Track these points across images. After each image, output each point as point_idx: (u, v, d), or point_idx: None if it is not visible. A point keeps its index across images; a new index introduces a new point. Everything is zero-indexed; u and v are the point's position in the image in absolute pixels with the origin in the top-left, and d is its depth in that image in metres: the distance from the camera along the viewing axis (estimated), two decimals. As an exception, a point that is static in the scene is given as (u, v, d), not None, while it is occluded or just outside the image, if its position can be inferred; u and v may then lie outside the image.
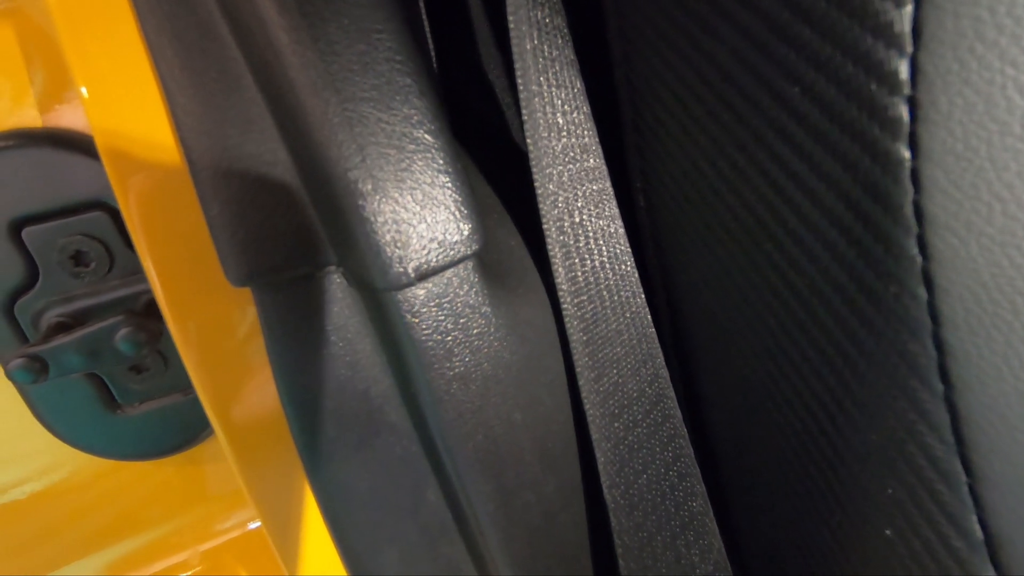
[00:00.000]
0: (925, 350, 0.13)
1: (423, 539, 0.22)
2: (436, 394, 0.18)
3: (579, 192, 0.20)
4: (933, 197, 0.12)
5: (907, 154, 0.12)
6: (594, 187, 0.21)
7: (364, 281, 0.17)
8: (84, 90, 0.21)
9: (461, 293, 0.18)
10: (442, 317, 0.17)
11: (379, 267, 0.16)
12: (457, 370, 0.18)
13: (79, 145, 0.26)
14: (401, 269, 0.16)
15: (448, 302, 0.18)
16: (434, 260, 0.17)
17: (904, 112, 0.12)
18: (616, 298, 0.22)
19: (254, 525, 0.34)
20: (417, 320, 0.17)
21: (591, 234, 0.21)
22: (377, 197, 0.16)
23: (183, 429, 0.31)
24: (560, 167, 0.20)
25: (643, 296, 0.23)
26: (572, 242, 0.20)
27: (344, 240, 0.17)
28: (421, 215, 0.17)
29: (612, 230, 0.21)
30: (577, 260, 0.20)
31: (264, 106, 0.17)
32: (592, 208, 0.21)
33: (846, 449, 0.17)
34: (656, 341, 0.23)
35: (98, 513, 0.32)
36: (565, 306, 0.20)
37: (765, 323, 0.18)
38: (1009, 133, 0.11)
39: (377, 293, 0.17)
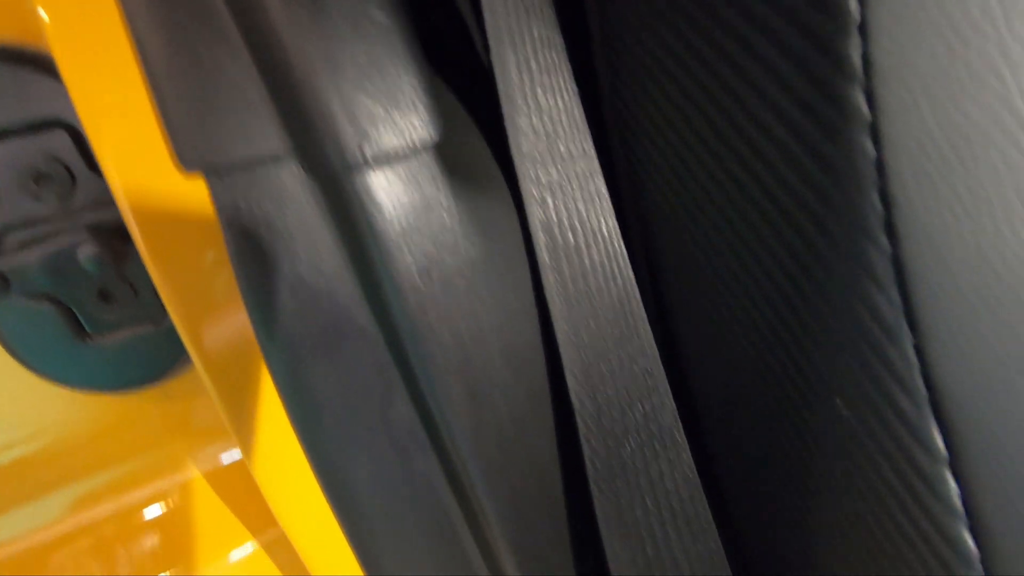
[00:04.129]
0: (873, 208, 0.14)
1: (395, 450, 0.22)
2: (398, 287, 0.18)
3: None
4: (880, 44, 0.12)
5: (855, 3, 0.12)
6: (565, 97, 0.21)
7: (321, 166, 0.17)
8: (41, 10, 0.21)
9: (421, 182, 0.18)
10: (402, 206, 0.17)
11: (335, 146, 0.16)
12: (419, 263, 0.18)
13: (36, 61, 0.25)
14: (357, 148, 0.16)
15: (407, 191, 0.17)
16: (391, 143, 0.17)
17: None
18: (584, 213, 0.22)
19: (230, 458, 0.34)
20: (376, 208, 0.17)
21: (565, 164, 0.21)
22: (332, 74, 0.16)
23: (155, 361, 0.31)
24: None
25: (614, 216, 0.23)
26: (540, 153, 0.20)
27: (300, 123, 0.17)
28: (377, 97, 0.16)
29: (585, 147, 0.21)
30: (543, 173, 0.20)
31: None
32: (562, 129, 0.21)
33: (801, 330, 0.17)
34: (627, 262, 0.24)
35: (69, 447, 0.32)
36: (530, 211, 0.20)
37: (725, 212, 0.18)
38: None
39: (335, 179, 0.17)
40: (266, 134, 0.17)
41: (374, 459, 0.23)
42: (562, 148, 0.21)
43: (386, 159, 0.17)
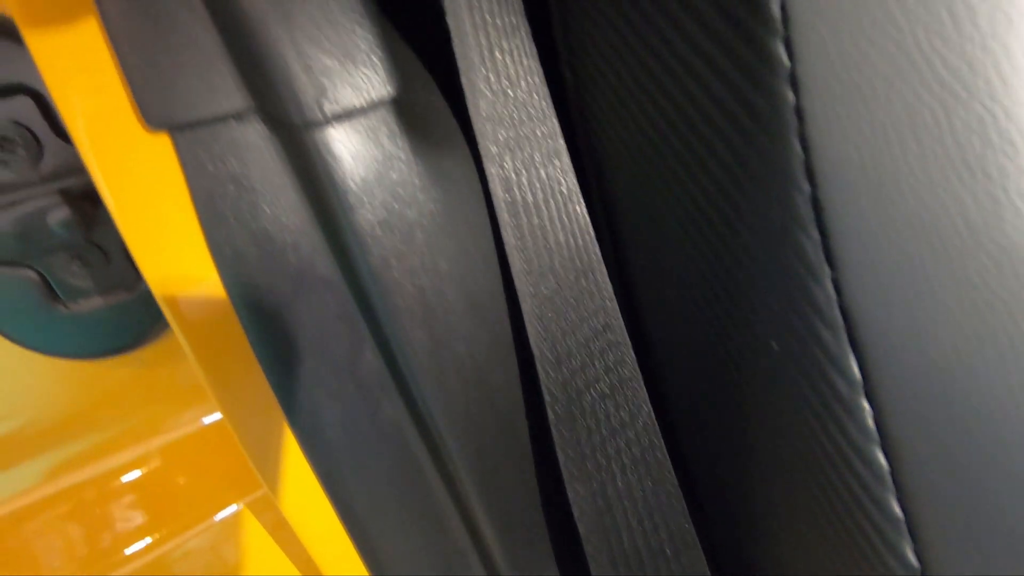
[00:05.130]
0: (794, 152, 0.15)
1: (363, 397, 0.23)
2: (360, 239, 0.19)
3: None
4: None
5: None
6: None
7: (282, 122, 0.18)
8: None
9: (379, 137, 0.18)
10: (360, 160, 0.18)
11: (293, 102, 0.17)
12: (380, 215, 0.19)
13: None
14: (316, 103, 0.17)
15: (366, 146, 0.18)
16: (348, 99, 0.17)
17: None
18: (543, 171, 0.23)
19: (212, 419, 0.35)
20: (335, 162, 0.18)
21: (521, 116, 0.21)
22: (288, 29, 0.16)
23: (129, 328, 0.31)
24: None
25: (573, 175, 0.24)
26: (498, 112, 0.21)
27: (260, 80, 0.17)
28: (333, 53, 0.17)
29: (544, 108, 0.22)
30: (501, 132, 0.21)
31: None
32: (518, 85, 0.21)
33: (738, 271, 0.18)
34: (586, 217, 0.25)
35: (51, 411, 0.32)
36: (487, 164, 0.21)
37: (668, 162, 0.19)
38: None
39: (296, 133, 0.18)
40: (227, 91, 0.18)
41: (343, 404, 0.24)
42: (520, 109, 0.21)
43: (344, 115, 0.17)
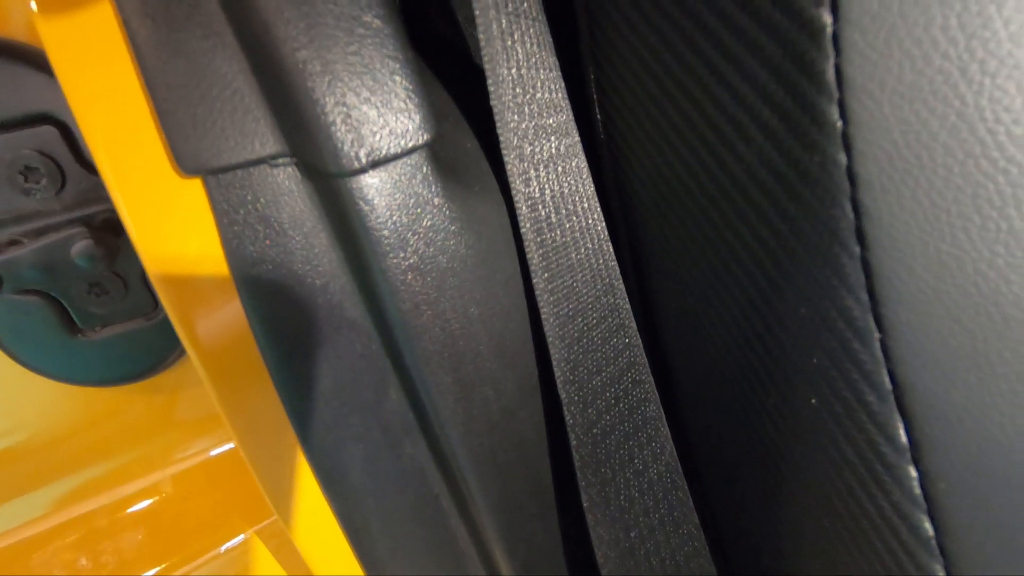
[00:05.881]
0: (844, 214, 0.14)
1: (386, 438, 0.23)
2: (392, 285, 0.19)
3: (536, 94, 0.21)
4: (852, 60, 0.13)
5: (829, 19, 0.13)
6: (547, 94, 0.22)
7: (317, 169, 0.18)
8: (33, 3, 0.21)
9: (414, 183, 0.18)
10: (395, 206, 0.18)
11: (331, 151, 0.17)
12: (411, 260, 0.19)
13: (26, 57, 0.25)
14: (353, 153, 0.17)
15: (400, 191, 0.18)
16: (386, 147, 0.17)
17: None
18: (572, 209, 0.23)
19: (221, 449, 0.34)
20: (370, 208, 0.18)
21: (548, 142, 0.21)
22: (327, 79, 0.16)
23: (146, 355, 0.31)
24: (519, 91, 0.20)
25: (600, 211, 0.23)
26: (528, 149, 0.20)
27: (296, 126, 0.17)
28: (371, 100, 0.17)
29: (570, 143, 0.22)
30: (532, 171, 0.21)
31: (217, 2, 0.17)
32: (546, 110, 0.21)
33: (778, 327, 0.18)
34: (612, 255, 0.24)
35: (64, 439, 0.32)
36: (519, 208, 0.21)
37: (706, 213, 0.19)
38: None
39: (330, 181, 0.18)
40: (262, 136, 0.18)
41: (366, 444, 0.23)
42: (549, 130, 0.21)
43: (380, 161, 0.17)
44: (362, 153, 0.17)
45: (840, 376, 0.16)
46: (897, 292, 0.14)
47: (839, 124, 0.14)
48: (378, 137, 0.17)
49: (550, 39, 0.21)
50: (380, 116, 0.17)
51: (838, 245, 0.15)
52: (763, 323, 0.18)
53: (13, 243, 0.26)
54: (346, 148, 0.17)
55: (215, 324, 0.21)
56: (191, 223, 0.21)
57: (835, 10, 0.13)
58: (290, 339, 0.20)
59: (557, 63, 0.21)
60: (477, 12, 0.19)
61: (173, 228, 0.21)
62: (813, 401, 0.18)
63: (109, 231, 0.26)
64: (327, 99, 0.16)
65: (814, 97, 0.14)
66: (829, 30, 0.13)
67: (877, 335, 0.15)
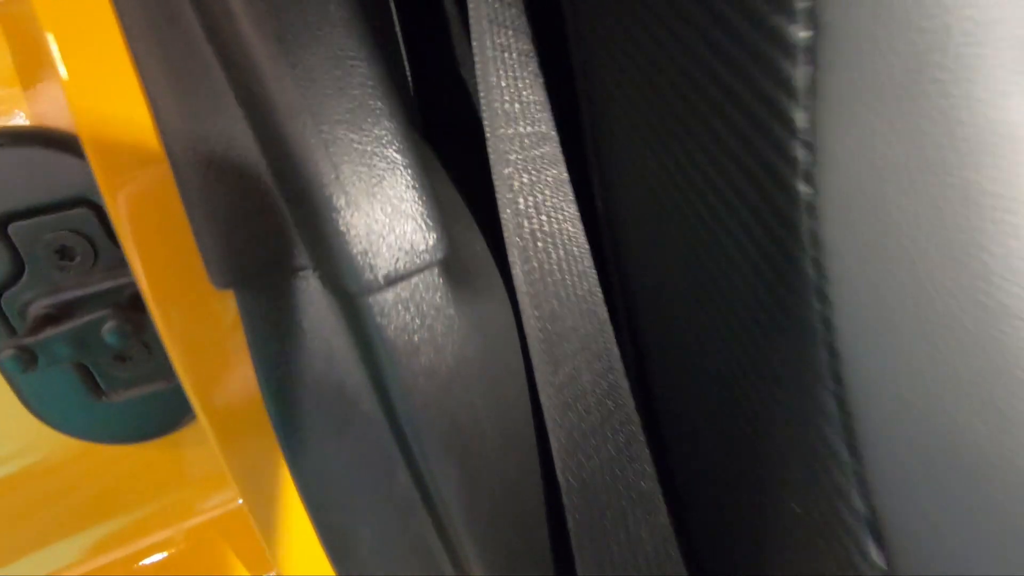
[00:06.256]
0: (821, 355, 0.16)
1: (394, 516, 0.24)
2: (404, 387, 0.20)
3: (536, 176, 0.22)
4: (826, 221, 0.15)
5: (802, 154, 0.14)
6: (551, 172, 0.23)
7: (337, 281, 0.19)
8: (67, 94, 0.22)
9: (427, 296, 0.20)
10: (409, 318, 0.19)
11: (352, 274, 0.18)
12: (423, 365, 0.20)
13: (65, 144, 0.27)
14: (372, 276, 0.18)
15: (415, 304, 0.19)
16: (402, 267, 0.19)
17: (802, 32, 0.13)
18: (573, 295, 0.24)
19: (235, 505, 0.35)
20: (386, 321, 0.19)
21: (547, 219, 0.22)
22: (350, 211, 0.18)
23: (166, 414, 0.32)
24: (516, 153, 0.21)
25: (600, 292, 0.25)
26: (528, 235, 0.22)
27: (319, 248, 0.19)
28: (390, 226, 0.18)
29: (569, 215, 0.23)
30: (534, 258, 0.22)
31: (246, 124, 0.19)
32: (548, 192, 0.23)
33: (761, 437, 0.19)
34: (611, 334, 0.26)
35: (83, 493, 0.33)
36: (523, 306, 0.22)
37: (700, 304, 0.20)
38: (889, 177, 0.14)
39: (350, 297, 0.19)
40: (290, 252, 0.19)
41: (374, 521, 0.24)
42: (544, 188, 0.22)
43: (396, 279, 0.19)
44: (380, 275, 0.18)
45: (819, 490, 0.18)
46: (870, 433, 0.15)
47: (814, 277, 0.15)
48: (395, 259, 0.18)
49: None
50: (398, 240, 0.18)
51: (818, 384, 0.16)
52: (743, 431, 0.20)
53: (47, 317, 0.27)
54: (366, 271, 0.18)
55: (237, 413, 0.23)
56: (215, 316, 0.23)
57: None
58: (307, 430, 0.22)
59: (558, 139, 0.23)
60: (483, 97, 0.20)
61: (195, 309, 0.23)
62: (795, 508, 0.19)
63: (136, 308, 0.28)
64: (350, 230, 0.18)
65: (794, 251, 0.15)
66: (805, 204, 0.15)
67: (853, 465, 0.16)
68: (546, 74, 0.23)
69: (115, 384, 0.31)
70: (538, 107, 0.22)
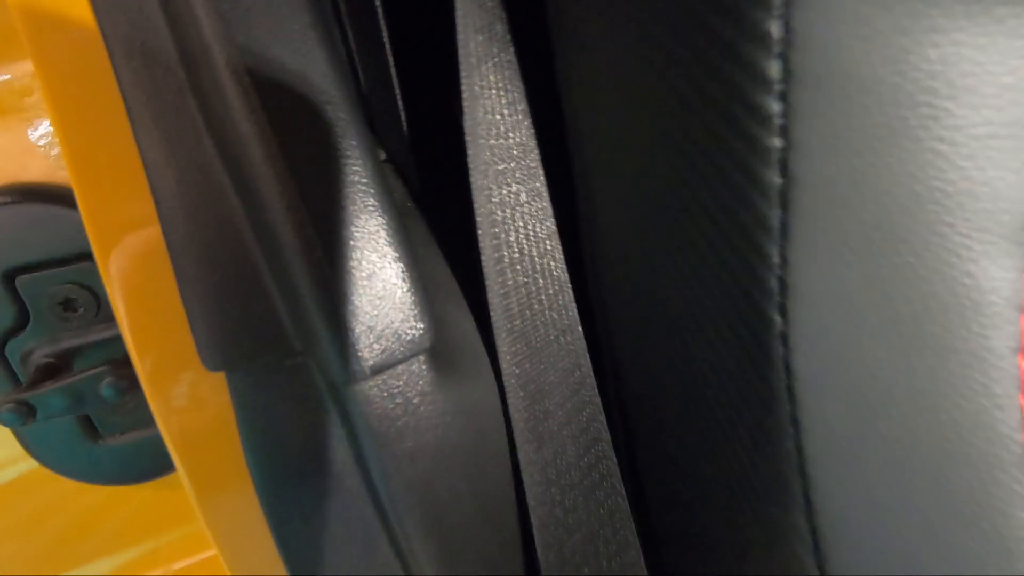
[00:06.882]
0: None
1: (375, 581, 0.25)
2: (387, 470, 0.20)
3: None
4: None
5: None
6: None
7: (326, 370, 0.19)
8: (65, 154, 0.23)
9: (412, 383, 0.20)
10: (393, 405, 0.20)
11: (339, 365, 0.18)
12: (407, 450, 0.20)
13: (72, 201, 0.27)
14: (358, 368, 0.18)
15: (400, 392, 0.20)
16: (389, 358, 0.19)
17: (776, 179, 0.13)
18: (559, 366, 0.24)
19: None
20: (371, 409, 0.19)
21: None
22: (340, 305, 0.18)
23: (161, 457, 0.33)
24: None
25: (587, 356, 0.25)
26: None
27: (309, 337, 0.19)
28: (379, 318, 0.19)
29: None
30: (518, 313, 0.22)
31: (241, 212, 0.19)
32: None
33: (745, 525, 0.19)
34: (598, 402, 0.26)
35: (75, 533, 0.34)
36: (509, 387, 0.22)
37: (688, 416, 0.20)
38: (860, 322, 0.14)
39: (337, 383, 0.19)
40: (281, 339, 0.20)
41: None
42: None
43: (383, 368, 0.19)
44: (367, 366, 0.19)
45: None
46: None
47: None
48: (383, 350, 0.19)
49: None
50: (386, 331, 0.19)
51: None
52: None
53: (48, 366, 0.28)
54: (353, 362, 0.18)
55: (222, 485, 0.23)
56: (204, 389, 0.23)
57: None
58: (290, 502, 0.22)
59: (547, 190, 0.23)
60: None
61: (181, 373, 0.23)
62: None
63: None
64: (339, 322, 0.18)
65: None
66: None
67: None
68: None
69: (112, 428, 0.31)
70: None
